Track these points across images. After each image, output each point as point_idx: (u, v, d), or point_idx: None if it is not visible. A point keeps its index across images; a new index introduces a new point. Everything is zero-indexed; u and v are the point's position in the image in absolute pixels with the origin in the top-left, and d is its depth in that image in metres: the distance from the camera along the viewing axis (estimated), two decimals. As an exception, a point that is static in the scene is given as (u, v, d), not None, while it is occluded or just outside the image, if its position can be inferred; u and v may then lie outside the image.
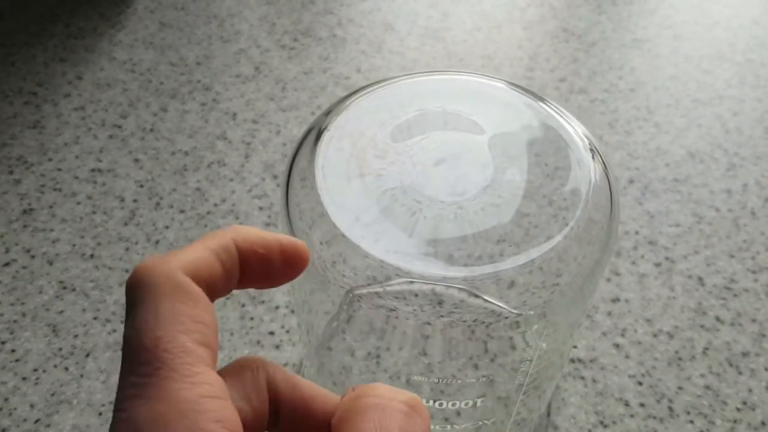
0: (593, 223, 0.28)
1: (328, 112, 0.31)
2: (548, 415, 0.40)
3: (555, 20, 0.66)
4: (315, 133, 0.30)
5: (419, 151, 0.30)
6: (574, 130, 0.31)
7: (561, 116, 0.31)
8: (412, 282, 0.27)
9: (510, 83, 0.33)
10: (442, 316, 0.28)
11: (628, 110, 0.58)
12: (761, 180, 0.53)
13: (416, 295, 0.28)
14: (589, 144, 0.30)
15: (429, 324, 0.28)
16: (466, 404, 0.33)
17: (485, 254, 0.26)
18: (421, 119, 0.31)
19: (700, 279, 0.47)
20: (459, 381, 0.36)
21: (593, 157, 0.30)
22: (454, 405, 0.33)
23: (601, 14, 0.67)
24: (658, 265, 0.47)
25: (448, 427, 0.35)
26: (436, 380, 0.35)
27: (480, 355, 0.37)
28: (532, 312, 0.27)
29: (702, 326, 0.44)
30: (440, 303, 0.28)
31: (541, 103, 0.32)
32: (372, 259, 0.26)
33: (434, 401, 0.33)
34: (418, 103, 0.32)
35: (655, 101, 0.59)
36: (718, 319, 0.45)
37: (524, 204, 0.28)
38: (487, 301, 0.27)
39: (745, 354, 0.43)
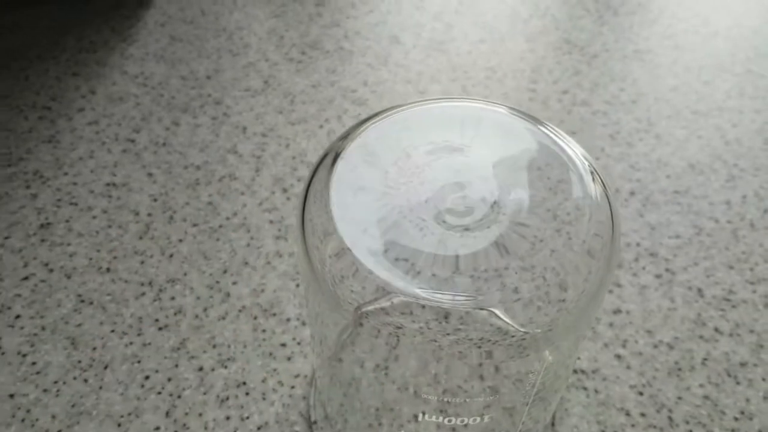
0: (597, 239, 0.29)
1: (344, 137, 0.33)
2: (552, 425, 0.42)
3: (557, 32, 0.68)
4: (332, 156, 0.32)
5: (428, 173, 0.31)
6: (574, 152, 0.32)
7: (560, 139, 0.32)
8: (418, 299, 0.28)
9: (511, 108, 0.34)
10: (448, 334, 0.29)
11: (629, 122, 0.59)
12: (760, 191, 0.54)
13: (423, 307, 0.29)
14: (589, 165, 0.32)
15: (435, 341, 0.30)
16: (473, 419, 0.34)
17: (491, 269, 0.28)
18: (431, 144, 0.33)
19: (700, 290, 0.48)
20: (465, 392, 0.37)
21: (593, 178, 0.31)
22: (462, 421, 0.35)
23: (603, 25, 0.68)
24: (658, 276, 0.48)
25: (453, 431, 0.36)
26: (443, 390, 0.36)
27: (487, 369, 0.39)
28: (539, 330, 0.28)
29: (701, 337, 0.46)
30: (446, 318, 0.29)
31: (541, 127, 0.33)
32: (376, 276, 0.27)
33: (442, 416, 0.35)
34: (428, 129, 0.33)
35: (656, 113, 0.60)
36: (717, 330, 0.46)
37: (529, 221, 0.29)
38: (493, 315, 0.28)
39: (743, 364, 0.44)
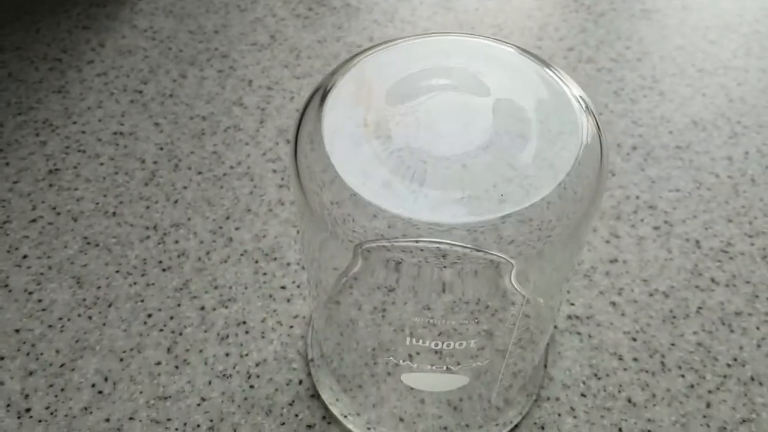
0: (583, 180, 0.30)
1: (334, 72, 0.33)
2: (545, 367, 0.42)
3: (565, -9, 0.68)
4: (320, 94, 0.32)
5: (425, 111, 0.31)
6: (571, 92, 0.32)
7: (560, 78, 0.32)
8: (418, 241, 0.29)
9: (511, 44, 0.34)
10: (445, 267, 0.30)
11: (634, 79, 0.59)
12: (762, 148, 0.54)
13: (422, 250, 0.30)
14: (585, 106, 0.32)
15: (432, 272, 0.30)
16: (467, 361, 0.35)
17: (486, 209, 0.28)
18: (426, 79, 0.33)
19: (698, 242, 0.48)
20: (460, 335, 0.38)
21: (587, 119, 0.31)
22: (457, 363, 0.35)
23: (612, -15, 0.68)
24: (656, 228, 0.49)
25: (448, 374, 0.37)
26: (438, 333, 0.37)
27: (481, 310, 0.39)
28: (514, 261, 0.29)
29: (697, 287, 0.46)
30: (444, 256, 0.30)
31: (540, 65, 0.33)
32: (381, 217, 0.28)
33: (436, 352, 0.35)
34: (424, 62, 0.33)
35: (661, 71, 0.60)
36: (713, 280, 0.46)
37: (523, 161, 0.29)
38: (487, 253, 0.29)
39: (738, 314, 0.45)
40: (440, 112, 0.31)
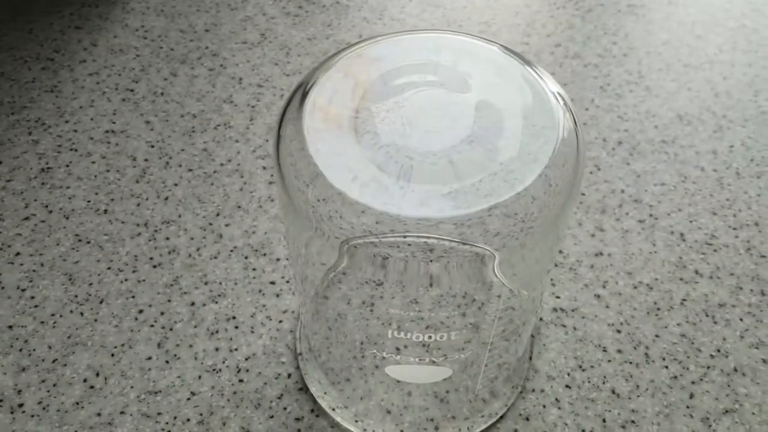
0: (562, 172, 0.30)
1: (316, 69, 0.33)
2: (530, 359, 0.43)
3: (553, -13, 0.68)
4: (302, 91, 0.32)
5: (409, 107, 0.32)
6: (550, 89, 0.33)
7: (539, 75, 0.33)
8: (405, 236, 0.29)
9: (494, 42, 0.35)
10: (431, 261, 0.30)
11: (620, 74, 0.60)
12: (747, 141, 0.55)
13: (409, 245, 0.30)
14: (563, 102, 0.32)
15: (419, 266, 0.31)
16: (447, 337, 0.36)
17: (472, 203, 0.29)
18: (410, 76, 0.33)
19: (682, 235, 0.49)
20: (447, 327, 0.39)
21: (564, 114, 0.32)
22: (440, 338, 0.36)
23: (599, -19, 0.69)
24: (641, 221, 0.49)
25: (433, 366, 0.38)
26: (426, 326, 0.37)
27: (468, 304, 0.40)
28: (497, 252, 0.29)
29: (681, 279, 0.47)
30: (431, 250, 0.30)
31: (521, 63, 0.34)
32: (368, 215, 0.28)
33: (423, 345, 0.36)
34: (407, 59, 0.34)
35: (647, 66, 0.61)
36: (697, 272, 0.47)
37: (506, 155, 0.30)
38: (473, 246, 0.29)
39: (721, 305, 0.45)
40: (424, 109, 0.32)
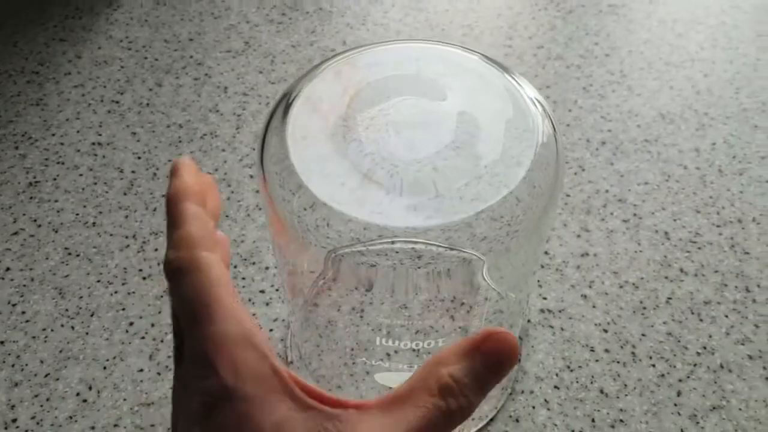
0: (542, 176, 0.31)
1: (299, 80, 0.33)
2: (519, 361, 0.44)
3: (535, -11, 0.69)
4: (285, 102, 0.33)
5: (393, 116, 0.32)
6: (529, 96, 0.33)
7: (518, 83, 0.34)
8: (393, 242, 0.29)
9: (474, 51, 0.35)
10: (419, 268, 0.31)
11: (602, 75, 0.60)
12: (729, 138, 0.56)
13: (397, 252, 0.30)
14: (542, 109, 0.33)
15: (406, 274, 0.31)
16: (436, 343, 0.36)
17: (459, 209, 0.29)
18: (393, 85, 0.33)
19: (666, 233, 0.49)
20: (437, 332, 0.39)
21: (543, 119, 0.32)
22: (429, 344, 0.36)
23: (580, -18, 0.69)
24: (626, 221, 0.50)
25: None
26: (416, 331, 0.38)
27: (456, 308, 0.40)
28: (485, 257, 0.30)
29: (666, 277, 0.47)
30: (419, 257, 0.31)
31: (501, 71, 0.34)
32: (355, 223, 0.29)
33: (413, 350, 0.36)
34: (390, 69, 0.34)
35: (628, 65, 0.61)
36: (682, 270, 0.48)
37: (489, 159, 0.30)
38: (461, 251, 0.30)
39: (707, 302, 0.46)
40: (408, 117, 0.32)
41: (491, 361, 0.21)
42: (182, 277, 0.20)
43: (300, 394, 0.19)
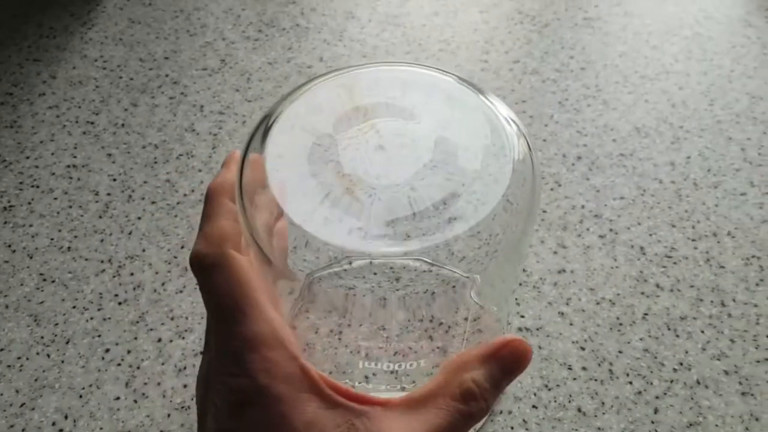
0: (520, 193, 0.31)
1: (278, 103, 0.33)
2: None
3: (510, 2, 0.69)
4: (264, 126, 0.32)
5: (368, 137, 0.32)
6: (504, 116, 0.33)
7: (492, 103, 0.34)
8: (371, 262, 0.29)
9: (450, 73, 0.35)
10: (398, 290, 0.31)
11: (578, 89, 0.61)
12: (704, 151, 0.56)
13: (375, 273, 0.30)
14: (517, 128, 0.33)
15: (385, 298, 0.31)
16: (416, 364, 0.36)
17: (436, 228, 0.29)
18: (368, 108, 0.34)
19: (642, 248, 0.50)
20: (415, 353, 0.39)
21: (518, 139, 0.32)
22: (413, 382, 0.36)
23: (556, -6, 0.70)
24: (602, 236, 0.50)
25: (403, 393, 0.38)
26: (394, 353, 0.38)
27: (435, 327, 0.40)
28: (477, 276, 0.30)
29: (642, 293, 0.47)
30: (397, 279, 0.31)
31: (476, 93, 0.34)
32: (332, 245, 0.29)
33: (391, 372, 0.36)
34: (368, 92, 0.34)
35: (604, 79, 0.61)
36: (658, 285, 0.48)
37: (465, 180, 0.31)
38: (441, 268, 0.30)
39: (683, 318, 0.46)
40: (386, 138, 0.32)
41: (508, 367, 0.22)
42: (212, 273, 0.20)
43: (329, 392, 0.19)
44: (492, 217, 0.29)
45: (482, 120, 0.33)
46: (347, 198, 0.29)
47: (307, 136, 0.32)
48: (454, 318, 0.39)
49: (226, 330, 0.20)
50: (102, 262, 0.48)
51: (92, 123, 0.57)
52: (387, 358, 0.37)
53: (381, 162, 0.31)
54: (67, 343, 0.45)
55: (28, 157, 0.55)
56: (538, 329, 0.45)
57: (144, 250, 0.49)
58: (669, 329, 0.46)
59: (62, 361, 0.44)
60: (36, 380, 0.43)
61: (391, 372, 0.36)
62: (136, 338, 0.45)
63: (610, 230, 0.51)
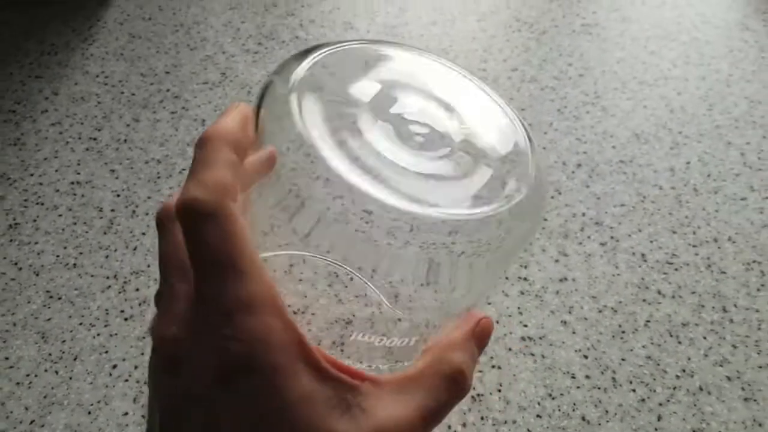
0: (529, 202, 0.31)
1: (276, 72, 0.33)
2: (499, 390, 0.44)
3: (508, 10, 0.69)
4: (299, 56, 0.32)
5: (398, 117, 0.32)
6: (521, 128, 0.33)
7: (515, 114, 0.34)
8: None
9: (475, 78, 0.35)
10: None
11: (576, 96, 0.61)
12: (704, 156, 0.56)
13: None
14: (529, 140, 0.33)
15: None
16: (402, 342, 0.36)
17: (431, 209, 0.29)
18: (403, 94, 0.33)
19: (643, 255, 0.50)
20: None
21: (531, 154, 0.33)
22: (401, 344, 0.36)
23: (552, 1, 0.70)
24: (603, 244, 0.51)
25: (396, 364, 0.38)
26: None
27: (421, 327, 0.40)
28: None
29: (644, 300, 0.48)
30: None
31: (499, 105, 0.34)
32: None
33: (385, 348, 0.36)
34: (410, 74, 0.34)
35: (602, 85, 0.62)
36: (659, 292, 0.48)
37: (482, 178, 0.31)
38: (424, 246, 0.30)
39: (684, 324, 0.47)
40: (413, 124, 0.32)
41: (481, 343, 0.23)
42: (207, 223, 0.19)
43: (324, 364, 0.19)
44: (494, 220, 0.30)
45: (506, 125, 0.33)
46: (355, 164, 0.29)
47: (337, 98, 0.32)
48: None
49: (217, 287, 0.19)
50: (108, 278, 0.49)
51: (95, 139, 0.58)
52: (380, 326, 0.37)
53: (399, 146, 0.31)
54: (75, 359, 0.45)
55: (32, 175, 0.55)
56: (541, 338, 0.46)
57: (149, 266, 0.49)
58: (671, 336, 0.46)
59: (70, 378, 0.44)
60: (45, 397, 0.43)
61: (385, 347, 0.37)
62: (143, 354, 0.45)
63: (611, 237, 0.51)
